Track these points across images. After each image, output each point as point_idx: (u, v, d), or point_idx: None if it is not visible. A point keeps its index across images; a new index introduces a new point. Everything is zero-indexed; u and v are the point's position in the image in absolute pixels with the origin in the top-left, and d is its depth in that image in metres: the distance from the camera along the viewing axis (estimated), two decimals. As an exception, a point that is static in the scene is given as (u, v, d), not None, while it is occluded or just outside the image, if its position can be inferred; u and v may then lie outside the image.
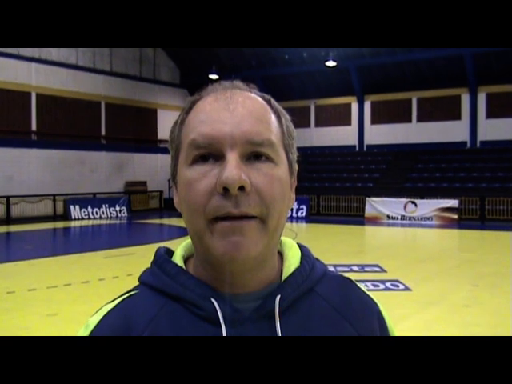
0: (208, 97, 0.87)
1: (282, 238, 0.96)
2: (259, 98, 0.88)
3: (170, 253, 0.96)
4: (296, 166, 0.92)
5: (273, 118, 0.87)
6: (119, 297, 0.91)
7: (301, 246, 0.98)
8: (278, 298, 0.86)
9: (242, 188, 0.78)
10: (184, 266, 0.91)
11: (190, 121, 0.86)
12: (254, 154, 0.82)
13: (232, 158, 0.80)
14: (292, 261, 0.92)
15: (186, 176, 0.83)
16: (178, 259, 0.92)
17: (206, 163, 0.82)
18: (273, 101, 0.90)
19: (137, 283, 0.94)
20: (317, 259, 0.98)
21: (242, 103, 0.84)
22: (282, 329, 0.84)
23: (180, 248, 0.95)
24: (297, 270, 0.91)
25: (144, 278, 0.92)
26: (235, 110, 0.83)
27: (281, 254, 0.94)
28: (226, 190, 0.78)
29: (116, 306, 0.88)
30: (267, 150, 0.82)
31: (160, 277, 0.89)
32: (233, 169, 0.78)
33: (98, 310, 0.89)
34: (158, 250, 0.95)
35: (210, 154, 0.82)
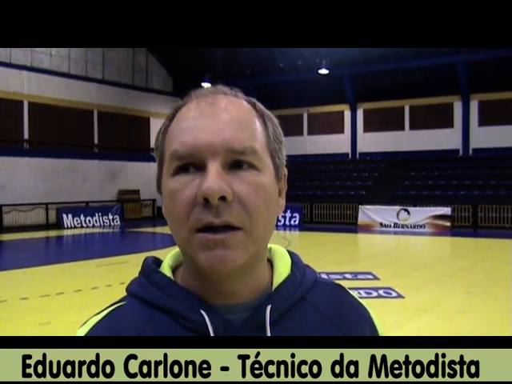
0: (190, 103, 0.85)
1: (272, 245, 0.95)
2: (244, 102, 0.86)
3: (157, 262, 0.93)
4: (285, 171, 0.90)
5: (257, 122, 0.85)
6: (106, 308, 0.89)
7: (291, 254, 0.96)
8: (269, 308, 0.84)
9: (223, 198, 0.77)
10: (172, 277, 0.89)
11: (173, 129, 0.85)
12: (237, 162, 0.80)
13: (213, 167, 0.78)
14: (282, 269, 0.91)
15: (169, 186, 0.82)
16: (166, 269, 0.90)
17: (188, 173, 0.80)
18: (258, 104, 0.88)
19: None
20: (307, 266, 0.96)
21: (224, 109, 0.82)
22: None
23: (168, 258, 0.93)
24: (287, 278, 0.89)
25: (132, 289, 0.90)
26: (216, 116, 0.81)
27: (271, 263, 0.92)
28: (207, 201, 0.77)
29: (104, 317, 0.86)
30: (250, 158, 0.80)
31: (148, 288, 0.87)
32: (213, 179, 0.77)
33: (86, 322, 0.87)
34: (146, 259, 0.93)
35: (192, 163, 0.80)
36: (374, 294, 9.12)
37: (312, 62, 27.08)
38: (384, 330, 0.96)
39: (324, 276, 0.98)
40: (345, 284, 0.99)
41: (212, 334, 0.81)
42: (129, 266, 12.24)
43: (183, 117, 0.84)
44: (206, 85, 26.24)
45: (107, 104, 27.68)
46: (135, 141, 28.82)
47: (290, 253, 0.96)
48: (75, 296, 9.31)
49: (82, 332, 0.85)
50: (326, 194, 25.72)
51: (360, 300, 0.97)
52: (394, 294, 9.13)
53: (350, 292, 0.97)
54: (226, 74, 28.34)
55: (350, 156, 29.33)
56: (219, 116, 0.81)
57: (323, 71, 26.40)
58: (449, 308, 8.28)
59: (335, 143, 29.53)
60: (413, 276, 11.02)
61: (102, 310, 0.88)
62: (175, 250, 0.93)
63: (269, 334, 0.82)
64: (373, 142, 28.60)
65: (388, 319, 7.20)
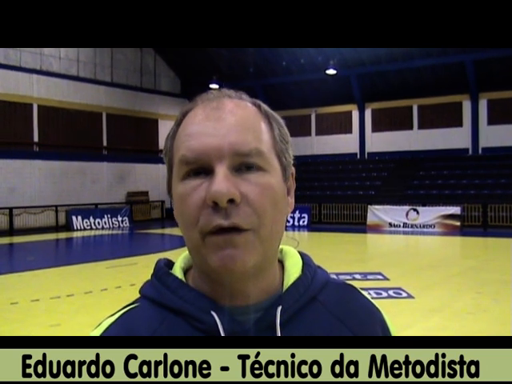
0: (196, 108, 0.86)
1: (283, 246, 0.95)
2: (249, 104, 0.87)
3: (169, 264, 0.95)
4: (292, 170, 0.91)
5: (263, 124, 0.86)
6: (120, 310, 0.90)
7: (302, 254, 0.97)
8: (279, 309, 0.85)
9: (231, 200, 0.78)
10: (184, 279, 0.90)
11: (180, 134, 0.86)
12: (243, 165, 0.81)
13: (220, 170, 0.79)
14: (293, 270, 0.91)
15: (179, 191, 0.83)
16: (177, 271, 0.91)
17: (197, 177, 0.81)
18: (263, 105, 0.89)
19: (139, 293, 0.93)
20: (319, 267, 0.97)
21: (229, 112, 0.83)
22: None
23: (180, 260, 0.95)
24: (298, 279, 0.90)
25: (144, 291, 0.92)
26: (222, 120, 0.82)
27: (281, 263, 0.93)
28: (215, 204, 0.78)
29: (117, 319, 0.88)
30: (256, 160, 0.81)
31: (160, 290, 0.89)
32: (220, 181, 0.78)
33: (99, 324, 0.88)
34: (158, 262, 0.95)
35: (200, 167, 0.81)
36: (384, 294, 9.10)
37: (319, 62, 27.03)
38: (395, 330, 0.95)
39: (333, 276, 0.98)
40: (354, 284, 0.99)
41: (223, 335, 0.82)
42: (138, 268, 12.28)
43: (189, 122, 0.85)
44: (213, 86, 26.34)
45: (116, 106, 27.78)
46: (144, 142, 28.90)
47: (301, 254, 0.97)
48: (85, 298, 9.35)
49: (95, 334, 0.86)
50: (334, 195, 25.67)
51: (372, 300, 0.97)
52: (404, 295, 9.10)
53: (362, 292, 0.98)
54: (233, 75, 28.38)
55: (358, 156, 29.24)
56: (224, 120, 0.82)
57: (331, 71, 26.36)
58: (459, 308, 8.24)
59: (343, 143, 29.46)
60: (422, 276, 10.98)
61: (116, 312, 0.89)
62: (186, 252, 0.94)
63: (279, 335, 0.83)
64: (381, 142, 28.51)
65: (398, 320, 7.17)
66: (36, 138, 24.44)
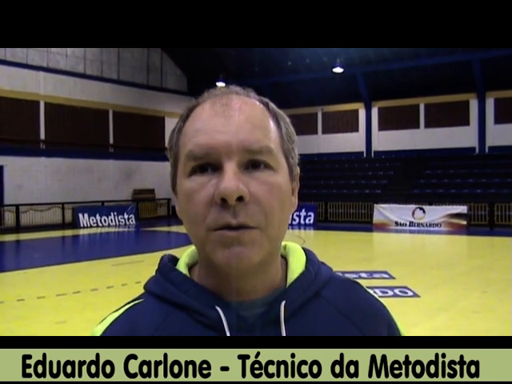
0: (204, 104, 0.86)
1: (287, 242, 0.96)
2: (257, 102, 0.87)
3: (174, 260, 0.95)
4: (297, 170, 0.91)
5: (271, 122, 0.85)
6: (124, 305, 0.90)
7: (306, 251, 0.97)
8: (283, 303, 0.85)
9: (240, 198, 0.78)
10: (188, 274, 0.90)
11: (187, 129, 0.85)
12: (253, 162, 0.81)
13: (229, 167, 0.79)
14: (296, 265, 0.92)
15: (185, 187, 0.83)
16: (182, 267, 0.91)
17: (205, 173, 0.81)
18: (271, 104, 0.89)
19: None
20: (322, 263, 0.97)
21: (238, 109, 0.83)
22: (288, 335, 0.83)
23: (184, 255, 0.95)
24: (301, 274, 0.90)
25: (149, 287, 0.92)
26: (232, 117, 0.82)
27: (285, 259, 0.93)
28: (224, 201, 0.78)
29: (121, 314, 0.88)
30: (265, 158, 0.81)
31: (164, 285, 0.89)
32: (230, 179, 0.77)
33: (104, 319, 0.89)
34: (163, 258, 0.95)
35: (208, 163, 0.81)
36: (390, 293, 9.09)
37: (326, 60, 26.97)
38: (402, 327, 0.96)
39: (339, 274, 0.99)
40: (360, 283, 0.99)
41: (227, 330, 0.82)
42: (144, 265, 12.30)
43: (197, 117, 0.84)
44: (220, 84, 26.27)
45: (122, 104, 27.82)
46: (150, 140, 28.93)
47: (304, 250, 0.97)
48: (91, 295, 9.38)
49: (99, 329, 0.87)
50: (340, 193, 25.63)
51: (377, 297, 0.97)
52: (410, 293, 9.09)
53: (367, 289, 0.98)
54: (239, 74, 28.36)
55: (364, 155, 29.18)
56: (234, 116, 0.82)
57: (337, 70, 26.29)
58: (465, 307, 8.23)
59: (350, 142, 29.40)
60: (428, 275, 10.95)
61: (120, 308, 0.90)
62: (191, 248, 0.94)
63: (283, 330, 0.83)
64: (388, 141, 28.44)
65: (404, 318, 7.13)
66: (43, 136, 24.51)
